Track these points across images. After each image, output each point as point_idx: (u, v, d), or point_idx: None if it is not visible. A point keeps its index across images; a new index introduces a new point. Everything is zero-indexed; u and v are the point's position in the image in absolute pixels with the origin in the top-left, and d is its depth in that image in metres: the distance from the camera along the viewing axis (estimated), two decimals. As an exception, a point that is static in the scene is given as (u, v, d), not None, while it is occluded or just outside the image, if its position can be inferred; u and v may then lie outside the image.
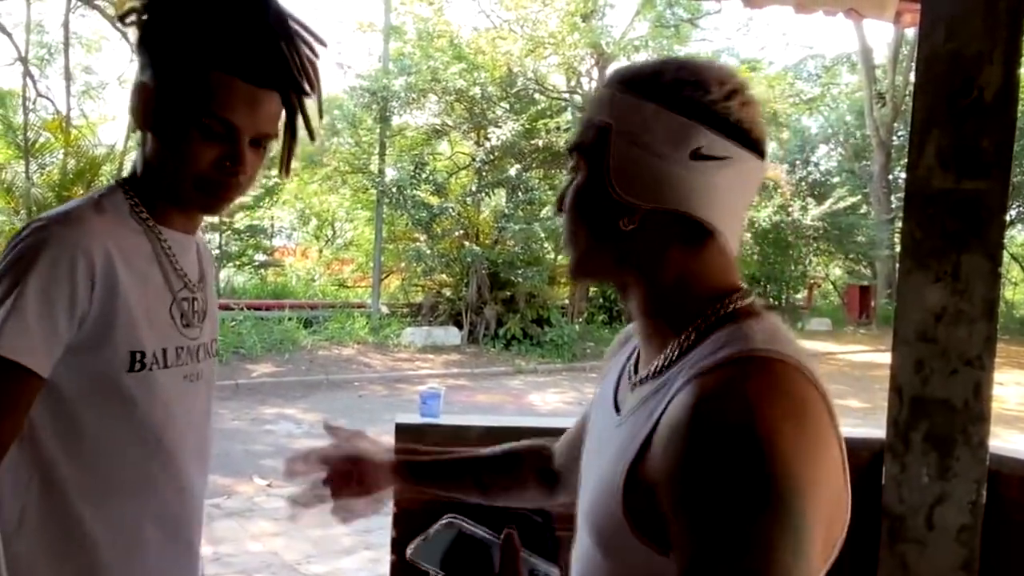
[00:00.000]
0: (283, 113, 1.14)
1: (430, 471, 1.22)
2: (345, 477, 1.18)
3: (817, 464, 0.69)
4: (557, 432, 1.17)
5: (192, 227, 1.22)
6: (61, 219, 1.07)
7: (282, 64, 1.10)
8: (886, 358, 2.17)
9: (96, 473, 1.10)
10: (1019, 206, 20.56)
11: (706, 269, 0.82)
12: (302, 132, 1.18)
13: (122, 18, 1.15)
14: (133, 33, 1.16)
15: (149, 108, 1.11)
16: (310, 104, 1.16)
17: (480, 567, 0.85)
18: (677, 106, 0.79)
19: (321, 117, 1.22)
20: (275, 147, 1.19)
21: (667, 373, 0.80)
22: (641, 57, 15.57)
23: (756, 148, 0.81)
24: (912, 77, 2.44)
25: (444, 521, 0.89)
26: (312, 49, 1.15)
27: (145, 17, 1.11)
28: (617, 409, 0.88)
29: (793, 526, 0.65)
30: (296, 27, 1.14)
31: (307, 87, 1.14)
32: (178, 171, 1.10)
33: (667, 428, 0.73)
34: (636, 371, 0.87)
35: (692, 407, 0.71)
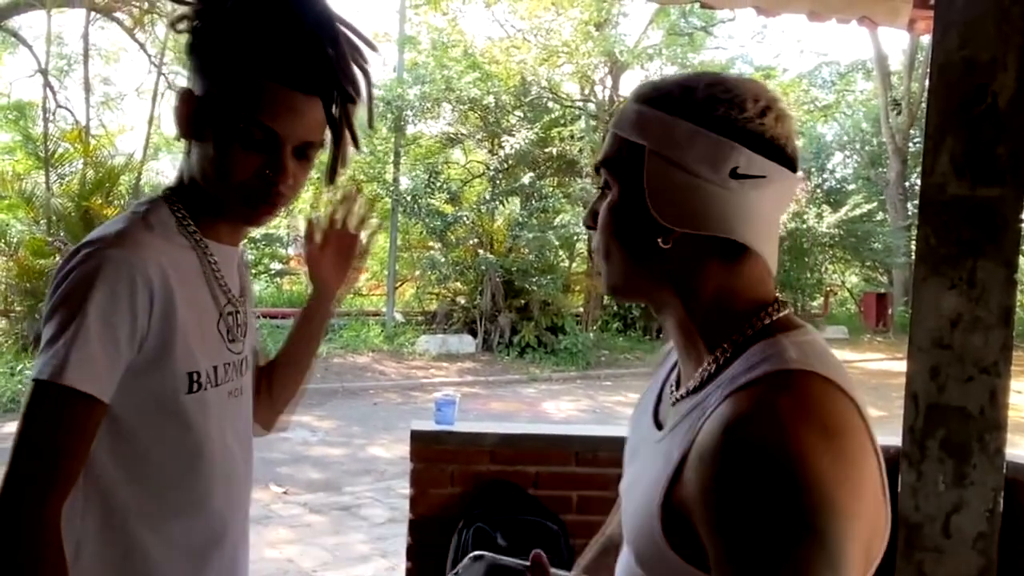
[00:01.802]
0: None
1: None
2: None
3: (853, 483, 0.68)
4: (574, 440, 1.16)
5: (236, 239, 1.19)
6: (113, 240, 1.03)
7: (326, 69, 1.06)
8: (903, 366, 2.16)
9: (155, 495, 1.09)
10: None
11: (742, 284, 0.81)
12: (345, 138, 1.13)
13: (173, 24, 1.12)
14: (151, 44, 1.16)
15: (191, 116, 1.08)
16: (359, 111, 1.12)
17: None
18: (712, 125, 0.78)
19: (371, 125, 1.18)
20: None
21: (705, 389, 0.80)
22: (655, 65, 15.57)
23: (791, 163, 0.80)
24: (927, 83, 2.43)
25: (472, 555, 0.89)
26: (360, 54, 1.11)
27: (196, 24, 1.09)
28: (659, 426, 0.88)
29: (829, 549, 0.64)
30: (345, 30, 1.10)
31: (352, 93, 1.09)
32: (220, 180, 1.08)
33: (700, 449, 0.73)
34: (677, 387, 0.87)
35: (724, 429, 0.70)
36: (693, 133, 0.78)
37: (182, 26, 1.10)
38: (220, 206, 1.11)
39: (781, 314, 0.81)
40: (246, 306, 1.22)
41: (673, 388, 0.88)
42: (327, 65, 1.06)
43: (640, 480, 0.84)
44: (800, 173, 0.83)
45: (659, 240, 0.79)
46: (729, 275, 0.81)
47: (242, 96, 1.04)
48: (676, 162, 0.78)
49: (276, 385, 1.37)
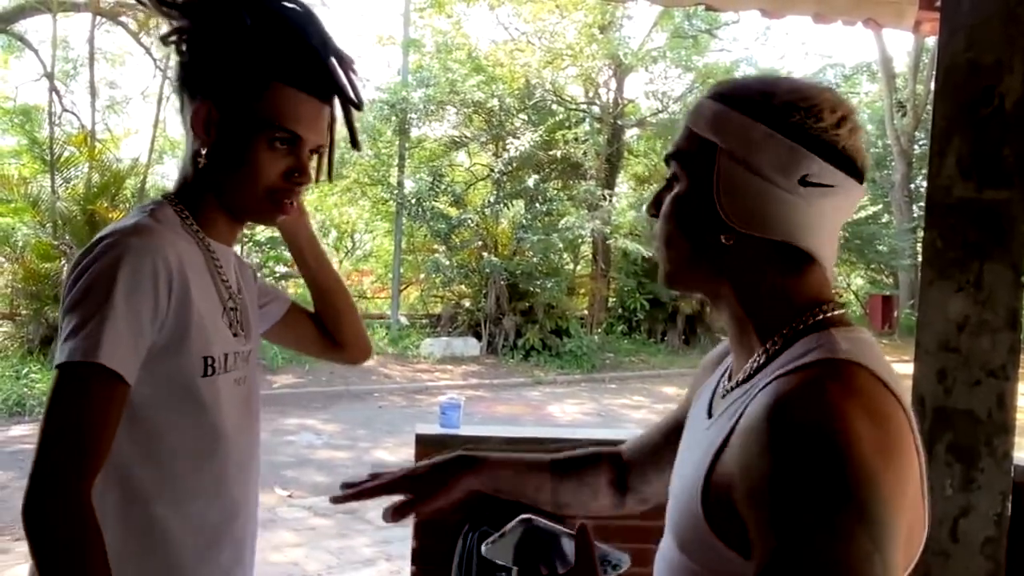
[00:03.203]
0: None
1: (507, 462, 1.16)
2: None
3: (896, 468, 0.68)
4: (583, 442, 1.16)
5: (233, 239, 1.25)
6: (130, 231, 1.08)
7: (337, 77, 1.16)
8: (909, 368, 2.15)
9: (173, 475, 1.12)
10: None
11: (800, 283, 0.83)
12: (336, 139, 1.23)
13: (165, 39, 1.17)
14: (156, 48, 1.19)
15: (211, 124, 1.13)
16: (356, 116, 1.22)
17: (554, 558, 0.86)
18: (788, 131, 0.79)
19: (355, 143, 1.27)
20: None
21: (754, 378, 0.81)
22: (659, 68, 15.58)
23: (859, 175, 0.82)
24: (933, 86, 2.42)
25: (517, 519, 0.90)
26: (352, 64, 1.20)
27: (189, 37, 1.15)
28: (710, 415, 0.90)
29: (871, 522, 0.64)
30: (336, 43, 1.19)
31: (357, 99, 1.19)
32: (250, 184, 1.14)
33: (744, 425, 0.74)
34: (729, 379, 0.89)
35: (770, 405, 0.71)
36: (768, 137, 0.79)
37: (173, 39, 1.16)
38: (245, 208, 1.18)
39: (835, 313, 0.82)
40: (245, 302, 1.27)
41: (726, 380, 0.90)
42: (336, 73, 1.16)
43: (684, 467, 0.86)
44: (865, 184, 0.85)
45: (722, 237, 0.81)
46: (788, 274, 0.82)
47: (267, 103, 1.11)
48: (748, 164, 0.80)
49: (332, 317, 1.48)
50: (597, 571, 0.81)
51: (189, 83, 1.16)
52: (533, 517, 0.89)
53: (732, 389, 0.86)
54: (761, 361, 0.82)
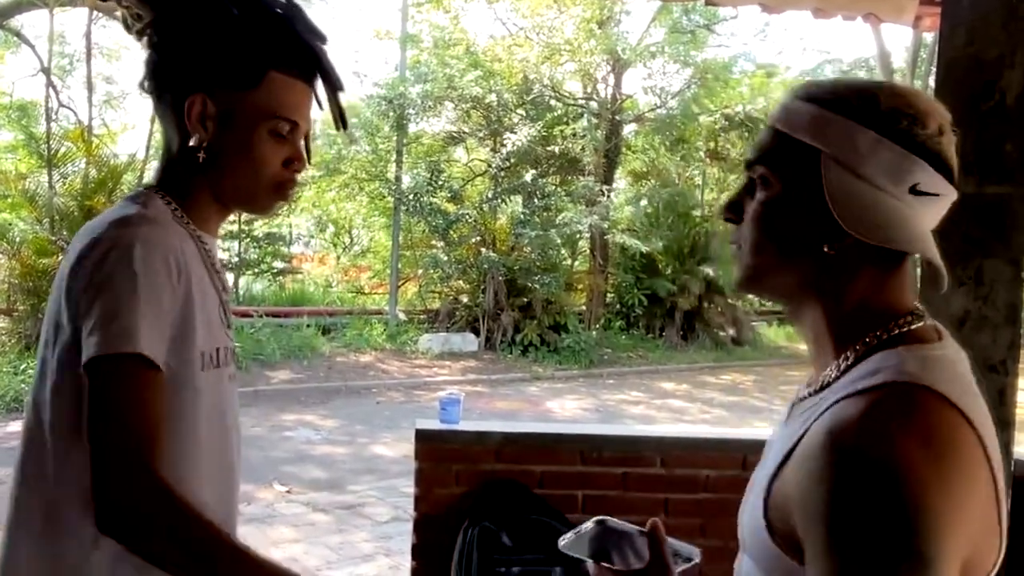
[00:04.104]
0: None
1: None
2: None
3: (957, 498, 0.68)
4: (579, 439, 1.16)
5: (217, 230, 1.24)
6: (130, 222, 1.07)
7: (325, 61, 1.16)
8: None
9: (173, 467, 1.09)
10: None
11: (888, 293, 0.82)
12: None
13: (139, 34, 1.15)
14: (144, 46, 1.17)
15: (206, 117, 1.11)
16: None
17: (627, 553, 0.89)
18: (896, 138, 0.78)
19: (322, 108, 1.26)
20: None
21: (823, 393, 0.81)
22: (658, 63, 15.54)
23: (955, 183, 0.82)
24: (931, 81, 2.41)
25: (592, 520, 0.93)
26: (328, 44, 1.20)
27: (167, 30, 1.12)
28: (787, 420, 0.91)
29: (923, 560, 0.64)
30: (317, 25, 1.19)
31: (341, 81, 1.19)
32: (254, 175, 1.14)
33: (806, 444, 0.74)
34: (808, 385, 0.88)
35: (828, 432, 0.71)
36: (877, 144, 0.77)
37: (145, 34, 1.14)
38: (248, 198, 1.18)
39: (914, 326, 0.80)
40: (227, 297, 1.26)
41: (803, 387, 0.89)
42: (324, 57, 1.16)
43: (760, 469, 0.87)
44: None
45: (823, 244, 0.79)
46: (879, 284, 0.81)
47: (264, 92, 1.11)
48: (856, 171, 0.78)
49: None
50: (669, 565, 0.84)
51: (172, 76, 1.13)
52: (607, 518, 0.92)
53: (806, 397, 0.85)
54: (832, 375, 0.81)
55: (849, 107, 0.79)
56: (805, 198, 0.79)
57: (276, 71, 1.11)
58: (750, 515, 0.82)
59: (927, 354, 0.77)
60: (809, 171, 0.79)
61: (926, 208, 0.79)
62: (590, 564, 0.91)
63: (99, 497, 0.97)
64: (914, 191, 0.78)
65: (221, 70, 1.11)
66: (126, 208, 1.11)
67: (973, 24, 2.04)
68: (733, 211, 0.86)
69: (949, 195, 0.81)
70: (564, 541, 0.91)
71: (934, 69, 2.21)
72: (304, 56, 1.14)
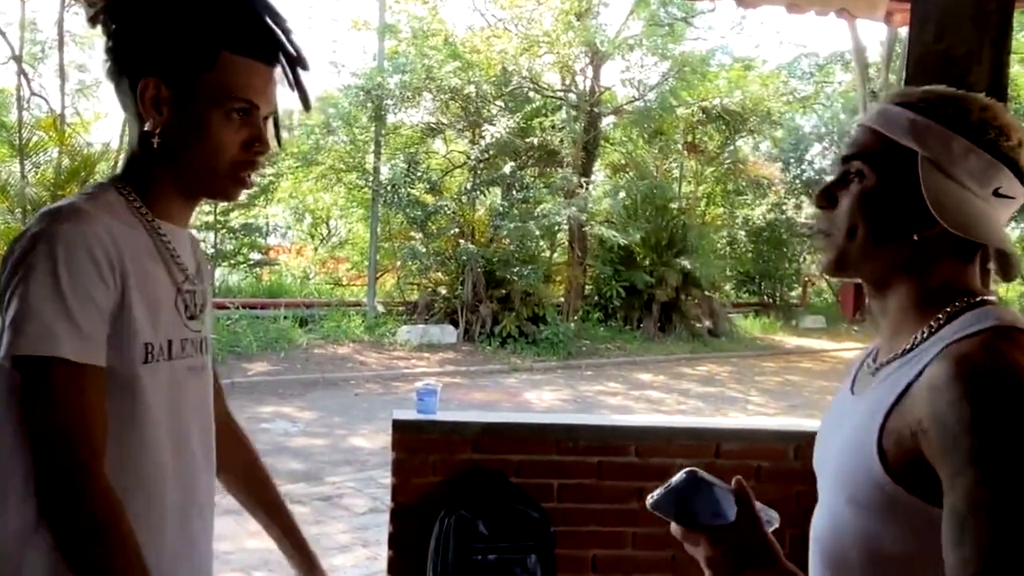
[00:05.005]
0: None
1: None
2: None
3: None
4: (555, 429, 1.17)
5: (186, 220, 1.22)
6: (59, 215, 1.05)
7: (282, 40, 1.13)
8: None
9: (113, 462, 1.07)
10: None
11: (966, 276, 0.95)
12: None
13: (92, 20, 1.14)
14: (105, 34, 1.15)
15: (160, 101, 1.10)
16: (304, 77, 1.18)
17: (712, 511, 0.90)
18: (984, 146, 0.91)
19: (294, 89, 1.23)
20: None
21: (915, 351, 0.91)
22: (636, 56, 15.57)
23: None
24: (904, 76, 2.45)
25: (683, 471, 0.93)
26: (288, 24, 1.17)
27: (121, 13, 1.11)
28: (853, 392, 1.02)
29: None
30: (275, 5, 1.16)
31: (305, 60, 1.16)
32: (209, 159, 1.12)
33: (926, 383, 0.84)
34: (875, 360, 0.99)
35: (958, 361, 0.82)
36: (968, 150, 0.90)
37: (101, 19, 1.12)
38: (206, 184, 1.16)
39: (989, 299, 0.93)
40: (203, 285, 1.24)
41: (870, 364, 1.00)
42: (281, 35, 1.13)
43: (838, 438, 0.96)
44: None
45: (914, 233, 0.92)
46: (958, 271, 0.94)
47: (218, 74, 1.09)
48: (948, 172, 0.90)
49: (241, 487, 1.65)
50: (760, 523, 0.89)
51: (127, 61, 1.12)
52: (697, 469, 0.93)
53: (884, 365, 0.95)
54: (924, 336, 0.91)
55: (945, 116, 0.92)
56: (901, 192, 0.92)
57: (230, 52, 1.09)
58: (854, 467, 0.90)
59: (1012, 312, 0.91)
60: (906, 169, 0.91)
61: (1004, 208, 0.92)
62: (674, 527, 0.91)
63: (38, 488, 1.00)
64: (996, 193, 0.91)
65: (174, 52, 1.09)
66: (68, 201, 1.10)
67: (942, 20, 2.08)
68: (827, 199, 0.97)
69: (1021, 198, 0.93)
70: (653, 499, 0.91)
71: (907, 64, 2.25)
72: (261, 36, 1.12)
